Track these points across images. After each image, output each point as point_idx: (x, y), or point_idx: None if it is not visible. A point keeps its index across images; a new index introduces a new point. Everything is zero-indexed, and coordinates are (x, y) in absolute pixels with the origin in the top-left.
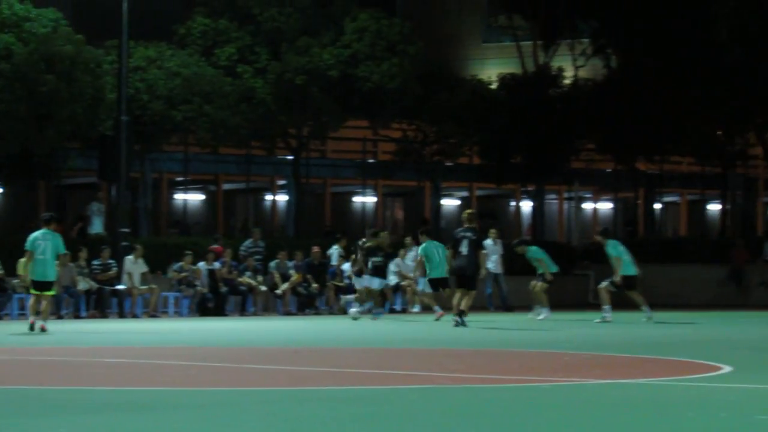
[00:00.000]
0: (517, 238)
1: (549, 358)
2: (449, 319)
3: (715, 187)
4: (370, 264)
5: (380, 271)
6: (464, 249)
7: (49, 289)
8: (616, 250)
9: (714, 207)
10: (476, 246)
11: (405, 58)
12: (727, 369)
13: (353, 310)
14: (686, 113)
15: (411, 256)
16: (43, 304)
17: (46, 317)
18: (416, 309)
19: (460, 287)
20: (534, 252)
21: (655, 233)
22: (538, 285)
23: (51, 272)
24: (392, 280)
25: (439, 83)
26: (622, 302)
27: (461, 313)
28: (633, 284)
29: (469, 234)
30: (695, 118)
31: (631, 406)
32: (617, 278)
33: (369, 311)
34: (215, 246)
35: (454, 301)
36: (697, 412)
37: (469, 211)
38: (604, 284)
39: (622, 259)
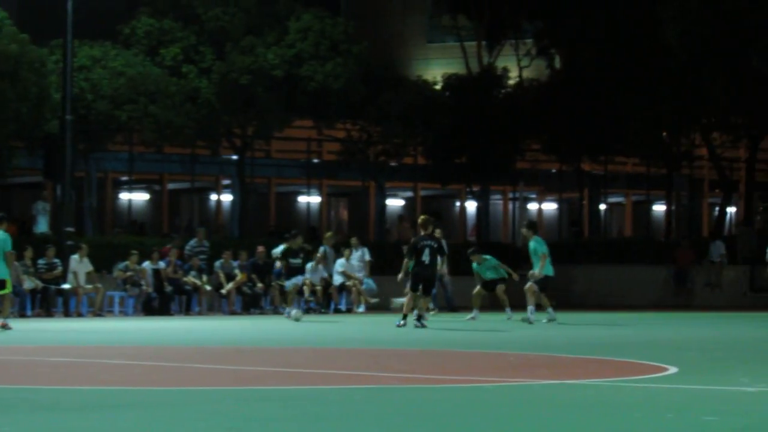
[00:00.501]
0: (462, 239)
1: (494, 358)
2: (395, 319)
3: (660, 187)
4: (288, 264)
5: (298, 272)
6: (426, 258)
7: (3, 288)
8: (542, 247)
9: (659, 208)
10: (438, 253)
11: (349, 57)
12: (672, 370)
13: (294, 311)
14: (631, 114)
15: (356, 256)
16: (3, 302)
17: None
18: (361, 309)
19: (415, 291)
20: (491, 260)
21: (600, 234)
22: (500, 287)
23: (1, 271)
24: (337, 279)
25: (384, 83)
26: (563, 303)
27: (420, 318)
28: (546, 286)
29: (430, 242)
30: (640, 118)
31: (577, 406)
32: (539, 274)
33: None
34: (169, 246)
35: (405, 302)
36: (644, 413)
37: (423, 217)
38: (529, 284)
39: (547, 258)
